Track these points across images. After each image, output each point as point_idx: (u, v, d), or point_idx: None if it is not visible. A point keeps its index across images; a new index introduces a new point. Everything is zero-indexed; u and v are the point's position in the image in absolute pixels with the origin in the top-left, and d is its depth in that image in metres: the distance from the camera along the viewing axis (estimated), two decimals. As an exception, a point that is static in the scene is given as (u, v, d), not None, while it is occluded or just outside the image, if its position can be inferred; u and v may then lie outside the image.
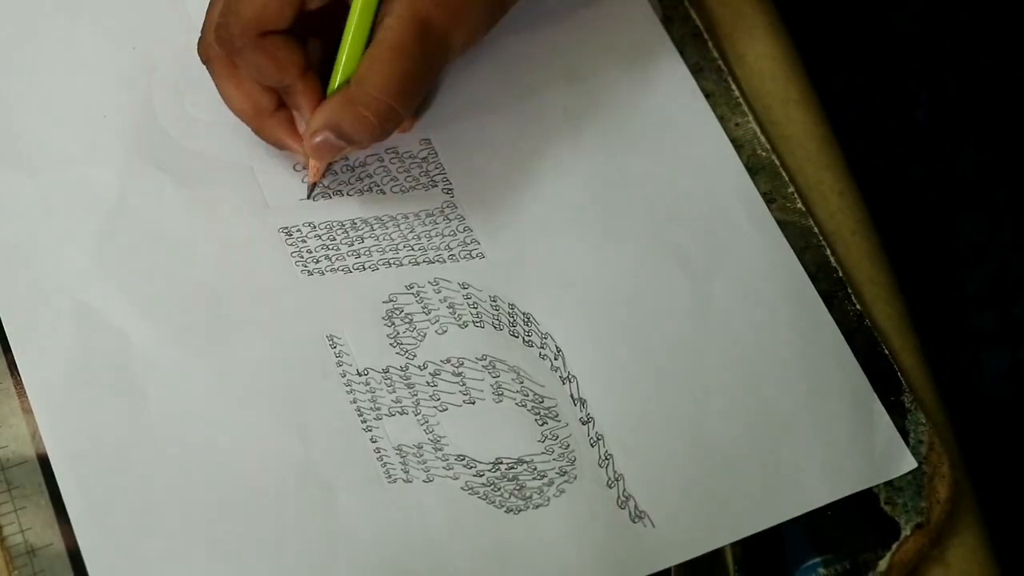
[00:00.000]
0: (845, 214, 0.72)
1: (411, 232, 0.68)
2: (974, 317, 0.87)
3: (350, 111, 0.64)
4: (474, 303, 0.67)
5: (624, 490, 0.64)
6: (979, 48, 0.87)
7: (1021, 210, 0.86)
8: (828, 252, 0.70)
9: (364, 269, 0.67)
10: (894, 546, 0.64)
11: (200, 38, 0.66)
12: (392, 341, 0.66)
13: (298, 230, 0.67)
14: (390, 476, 0.63)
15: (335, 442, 0.63)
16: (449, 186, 0.69)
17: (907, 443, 0.66)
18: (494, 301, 0.67)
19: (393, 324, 0.66)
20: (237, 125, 0.68)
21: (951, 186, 0.90)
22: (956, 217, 0.89)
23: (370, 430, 0.64)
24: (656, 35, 0.73)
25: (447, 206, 0.69)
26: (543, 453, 0.64)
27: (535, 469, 0.64)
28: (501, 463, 0.64)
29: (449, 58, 0.66)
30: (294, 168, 0.69)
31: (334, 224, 0.68)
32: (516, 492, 0.63)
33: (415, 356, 0.65)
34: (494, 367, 0.66)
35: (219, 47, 0.65)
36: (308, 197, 0.68)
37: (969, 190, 0.89)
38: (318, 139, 0.65)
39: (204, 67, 0.67)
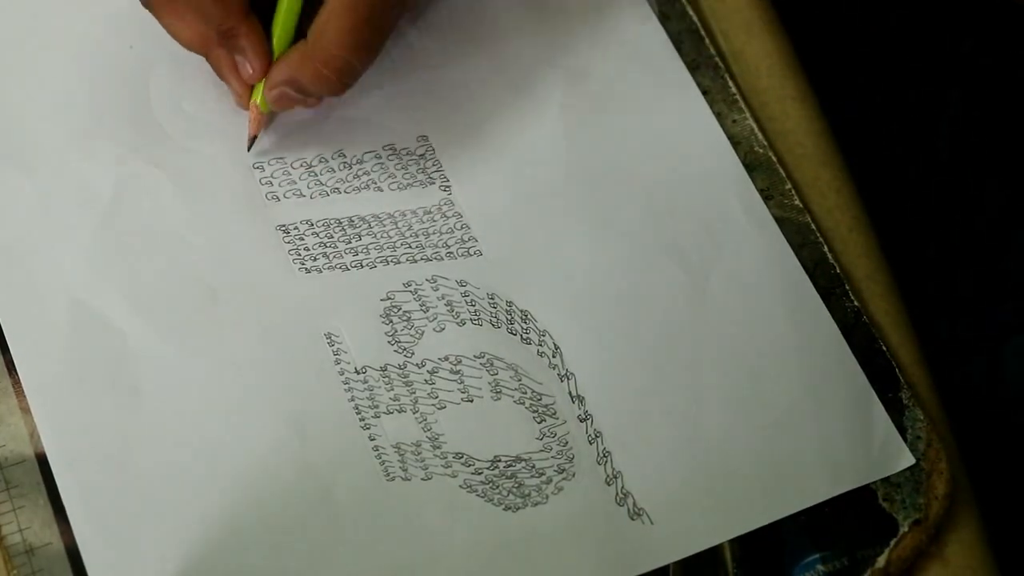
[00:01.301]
0: (843, 211, 0.72)
1: (409, 230, 0.68)
2: (960, 317, 0.87)
3: (309, 68, 0.64)
4: (472, 301, 0.67)
5: (622, 487, 0.64)
6: (979, 48, 0.87)
7: (1014, 212, 0.86)
8: (826, 249, 0.70)
9: (362, 267, 0.67)
10: (892, 542, 0.64)
11: None
12: (390, 339, 0.66)
13: (295, 228, 0.67)
14: (388, 474, 0.63)
15: (333, 440, 0.63)
16: (447, 183, 0.69)
17: (905, 439, 0.66)
18: (492, 298, 0.67)
19: (391, 322, 0.66)
20: (234, 124, 0.68)
21: (949, 185, 0.90)
22: (953, 217, 0.89)
23: (368, 428, 0.64)
24: (653, 32, 0.73)
25: (445, 204, 0.69)
26: (541, 451, 0.64)
27: (533, 467, 0.64)
28: (499, 461, 0.64)
29: (406, 7, 0.65)
30: (291, 166, 0.69)
31: (331, 222, 0.68)
32: (514, 490, 0.63)
33: (413, 354, 0.65)
34: (492, 365, 0.66)
35: None
36: (248, 150, 0.68)
37: (969, 191, 0.89)
38: (276, 92, 0.65)
39: (200, 64, 0.67)
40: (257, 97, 0.67)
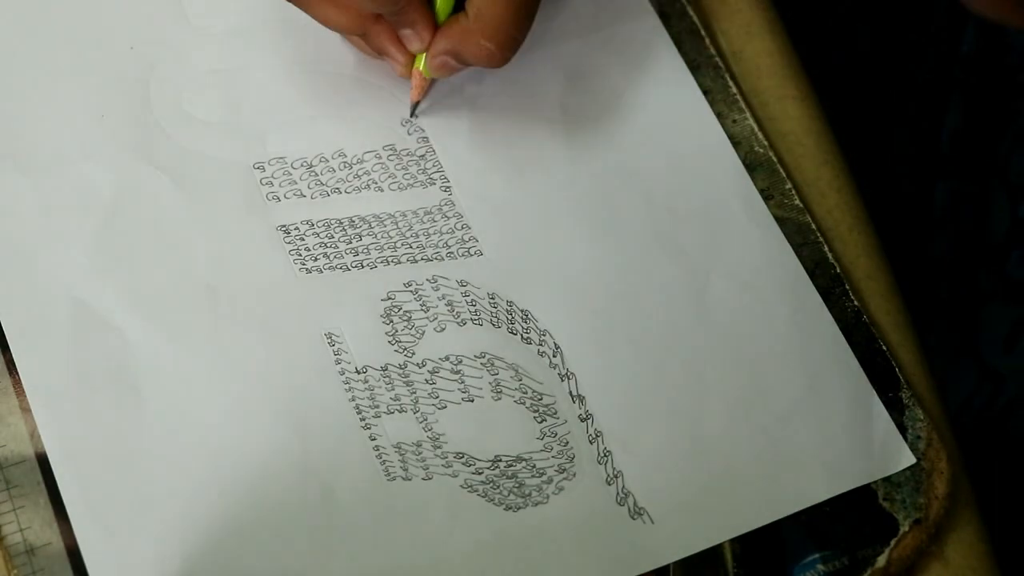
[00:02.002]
0: (843, 210, 0.72)
1: (409, 230, 0.68)
2: (961, 319, 0.87)
3: (471, 41, 0.66)
4: (472, 300, 0.67)
5: (623, 487, 0.64)
6: (980, 49, 0.87)
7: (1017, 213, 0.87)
8: (826, 248, 0.70)
9: (362, 267, 0.67)
10: (892, 542, 0.64)
11: None
12: (391, 339, 0.66)
13: (296, 228, 0.67)
14: (389, 474, 0.63)
15: (334, 440, 0.63)
16: (447, 184, 0.69)
17: (905, 439, 0.66)
18: (492, 298, 0.67)
19: (391, 322, 0.66)
20: (234, 124, 0.68)
21: (950, 185, 0.89)
22: (955, 217, 0.89)
23: (369, 428, 0.64)
24: (654, 32, 0.73)
25: (445, 204, 0.69)
26: (542, 451, 0.64)
27: (534, 467, 0.64)
28: (500, 461, 0.64)
29: None
30: (291, 166, 0.69)
31: (332, 222, 0.68)
32: (515, 490, 0.63)
33: (414, 354, 0.65)
34: (492, 364, 0.66)
35: None
36: (411, 115, 0.70)
37: (972, 192, 0.89)
38: (438, 60, 0.67)
39: (201, 65, 0.67)
40: (420, 65, 0.68)
